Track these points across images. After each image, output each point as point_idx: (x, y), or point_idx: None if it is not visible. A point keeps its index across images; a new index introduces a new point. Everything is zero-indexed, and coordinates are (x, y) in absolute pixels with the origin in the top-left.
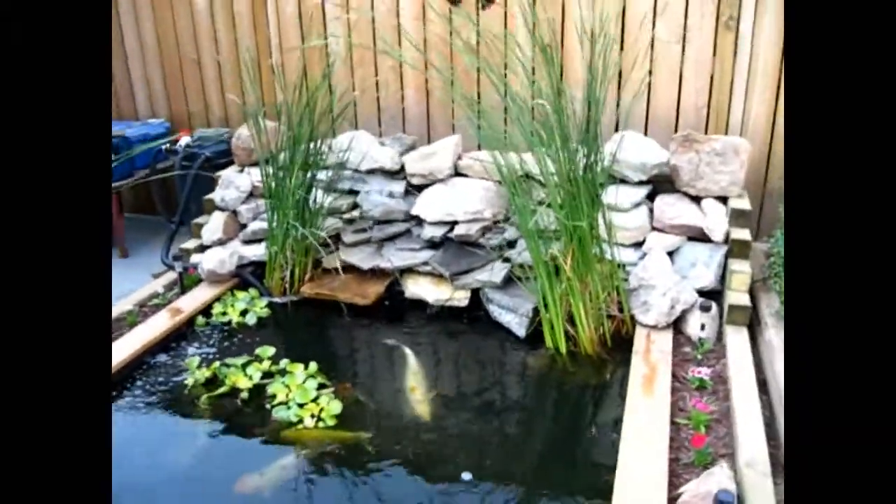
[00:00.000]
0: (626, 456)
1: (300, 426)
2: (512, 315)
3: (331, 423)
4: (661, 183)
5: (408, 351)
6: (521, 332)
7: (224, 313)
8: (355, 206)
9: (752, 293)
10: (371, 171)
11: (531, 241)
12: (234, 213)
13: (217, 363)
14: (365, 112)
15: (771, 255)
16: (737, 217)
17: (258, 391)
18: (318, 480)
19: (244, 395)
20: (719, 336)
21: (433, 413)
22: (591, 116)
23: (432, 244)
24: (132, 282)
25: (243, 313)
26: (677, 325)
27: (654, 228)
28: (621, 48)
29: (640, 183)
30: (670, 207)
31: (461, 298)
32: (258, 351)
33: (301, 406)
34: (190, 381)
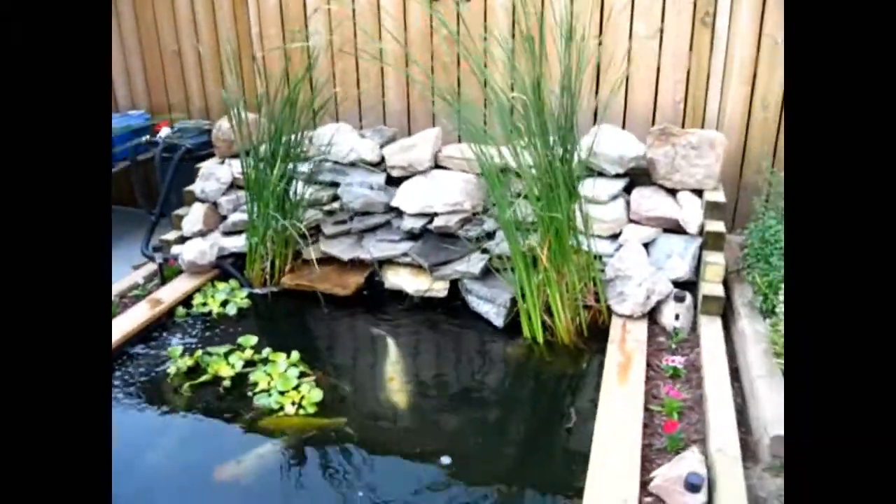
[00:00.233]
0: (600, 442)
1: (281, 413)
2: (490, 305)
3: (311, 410)
4: (639, 176)
5: (389, 340)
6: (498, 322)
7: (204, 304)
8: (336, 197)
9: (727, 284)
10: (352, 164)
11: (509, 233)
12: (215, 204)
13: (199, 352)
14: (346, 104)
15: (745, 246)
16: (712, 209)
17: (241, 380)
18: (295, 467)
19: (226, 383)
20: (694, 326)
21: (412, 401)
22: (568, 109)
23: (412, 235)
24: (112, 273)
25: (224, 304)
26: (652, 315)
27: (630, 220)
28: (599, 43)
29: (618, 176)
30: (647, 200)
31: (440, 289)
32: (240, 340)
33: (282, 394)
34: (172, 370)
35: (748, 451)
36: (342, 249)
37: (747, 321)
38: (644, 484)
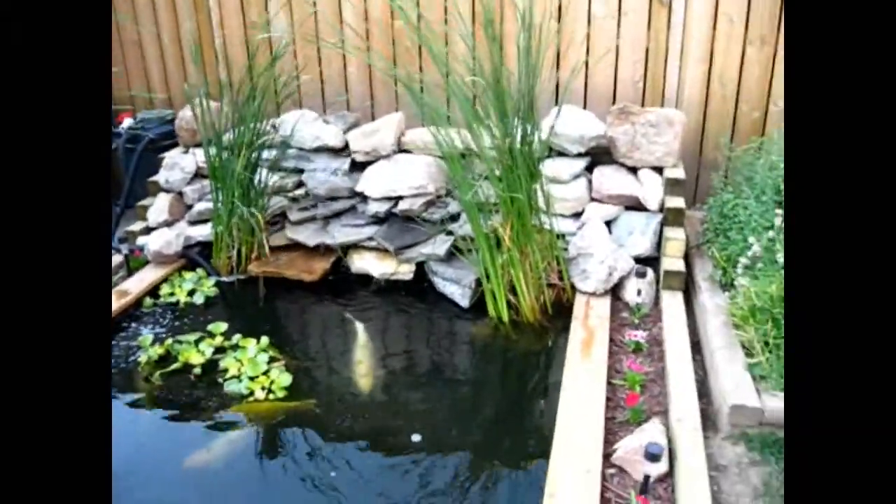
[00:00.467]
0: (565, 416)
1: (251, 399)
2: (456, 286)
3: (281, 395)
4: (600, 155)
5: (357, 324)
6: (464, 302)
7: (171, 294)
8: (301, 184)
9: (688, 259)
10: (316, 150)
11: (472, 214)
12: (180, 194)
13: (170, 340)
14: (309, 91)
15: (705, 222)
16: (672, 186)
17: (211, 366)
18: (265, 451)
19: (197, 370)
20: (656, 301)
21: (381, 382)
22: (527, 91)
23: (377, 219)
24: None
25: (191, 293)
26: (616, 292)
27: (592, 199)
28: (558, 22)
29: (579, 155)
30: (608, 179)
31: (406, 272)
32: (210, 327)
33: (252, 379)
34: (143, 359)
35: (709, 421)
36: (308, 235)
37: (708, 295)
38: (607, 456)
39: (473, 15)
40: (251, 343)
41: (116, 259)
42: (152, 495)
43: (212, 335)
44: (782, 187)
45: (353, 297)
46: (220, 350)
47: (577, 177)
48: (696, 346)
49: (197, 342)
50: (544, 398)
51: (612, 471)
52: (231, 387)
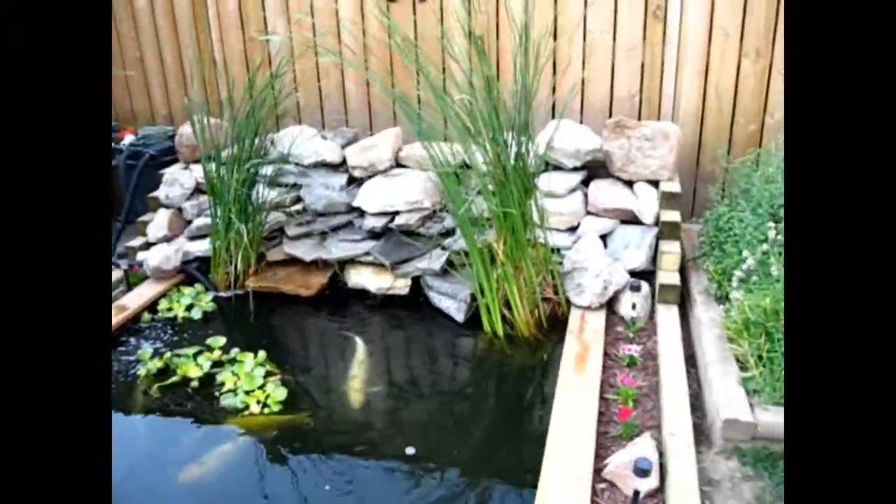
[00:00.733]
0: (556, 431)
1: (246, 413)
2: (451, 301)
3: (276, 409)
4: (596, 168)
5: (353, 338)
6: (459, 317)
7: (169, 309)
8: (298, 199)
9: (684, 272)
10: (314, 165)
11: (465, 229)
12: (179, 209)
13: (169, 354)
14: (307, 106)
15: (701, 235)
16: (667, 199)
17: (209, 380)
18: (258, 465)
19: (194, 384)
20: (651, 314)
21: (376, 396)
22: (521, 107)
23: (374, 234)
24: None
25: (189, 308)
26: (611, 305)
27: (588, 213)
28: (555, 38)
29: (575, 169)
30: (604, 192)
31: (402, 287)
32: (209, 341)
33: (248, 393)
34: (142, 372)
35: (702, 436)
36: (305, 250)
37: (703, 308)
38: (598, 470)
39: (469, 30)
40: (249, 357)
41: (116, 274)
42: None
43: (210, 349)
44: (777, 199)
45: (349, 311)
46: (218, 364)
47: (572, 191)
48: (692, 360)
49: (195, 356)
50: (538, 412)
51: (602, 485)
52: (227, 400)
